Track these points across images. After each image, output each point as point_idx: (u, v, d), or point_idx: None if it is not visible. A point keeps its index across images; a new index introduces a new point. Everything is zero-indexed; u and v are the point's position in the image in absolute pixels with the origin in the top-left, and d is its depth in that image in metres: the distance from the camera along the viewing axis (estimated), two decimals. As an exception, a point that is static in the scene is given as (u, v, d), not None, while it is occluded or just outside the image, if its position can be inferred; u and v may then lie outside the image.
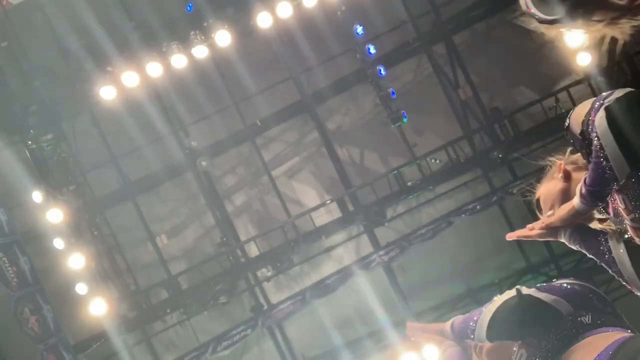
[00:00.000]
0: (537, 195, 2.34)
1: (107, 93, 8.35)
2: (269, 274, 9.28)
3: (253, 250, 9.59)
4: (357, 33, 9.04)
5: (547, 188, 2.29)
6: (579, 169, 2.23)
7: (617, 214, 2.01)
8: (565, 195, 2.21)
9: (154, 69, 8.33)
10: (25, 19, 9.22)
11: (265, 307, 9.34)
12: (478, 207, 8.98)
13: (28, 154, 8.55)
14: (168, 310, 9.02)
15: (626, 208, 1.93)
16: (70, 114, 9.02)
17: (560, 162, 2.28)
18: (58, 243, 8.33)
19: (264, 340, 9.99)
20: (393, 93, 9.12)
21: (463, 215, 8.97)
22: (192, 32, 8.34)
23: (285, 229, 9.20)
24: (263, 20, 8.38)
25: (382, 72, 9.13)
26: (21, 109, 8.43)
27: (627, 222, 1.95)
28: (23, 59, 8.77)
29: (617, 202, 1.95)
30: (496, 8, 9.82)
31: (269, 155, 10.30)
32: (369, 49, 9.09)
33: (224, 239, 9.41)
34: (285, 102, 9.95)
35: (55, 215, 8.25)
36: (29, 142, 8.54)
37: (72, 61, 8.60)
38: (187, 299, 8.87)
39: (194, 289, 9.04)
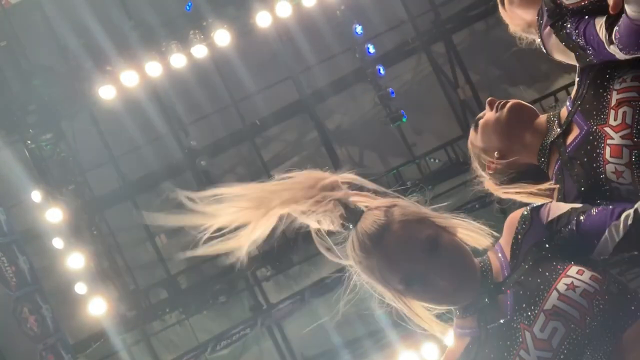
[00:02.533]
0: None
1: (106, 92, 8.35)
2: (269, 273, 9.28)
3: (252, 250, 9.58)
4: (357, 32, 9.05)
5: None
6: None
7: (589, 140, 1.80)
8: None
9: (153, 68, 8.33)
10: (24, 18, 9.22)
11: (265, 306, 9.34)
12: (477, 206, 8.99)
13: (27, 153, 8.55)
14: (167, 310, 9.03)
15: (623, 122, 1.75)
16: (69, 113, 9.02)
17: None
18: (57, 242, 8.33)
19: (263, 339, 9.99)
20: (392, 92, 9.13)
21: (462, 214, 8.98)
22: (192, 32, 8.34)
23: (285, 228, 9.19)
24: (262, 20, 8.39)
25: (382, 71, 9.14)
26: (20, 108, 8.42)
27: (613, 141, 1.76)
28: (22, 58, 8.76)
29: (608, 121, 1.77)
30: (495, 7, 9.78)
31: (268, 155, 10.30)
32: (368, 48, 9.09)
33: (224, 238, 9.39)
34: (284, 102, 9.95)
35: (54, 215, 8.25)
36: (28, 142, 8.54)
37: (71, 60, 8.60)
38: (187, 298, 8.87)
39: (193, 288, 9.05)
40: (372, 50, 9.12)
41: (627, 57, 1.66)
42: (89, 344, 8.76)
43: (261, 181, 1.73)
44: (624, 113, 1.73)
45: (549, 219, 1.68)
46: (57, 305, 8.36)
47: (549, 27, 1.85)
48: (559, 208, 1.69)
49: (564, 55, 1.88)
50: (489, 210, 9.32)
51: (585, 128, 1.82)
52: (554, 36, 1.85)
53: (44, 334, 7.88)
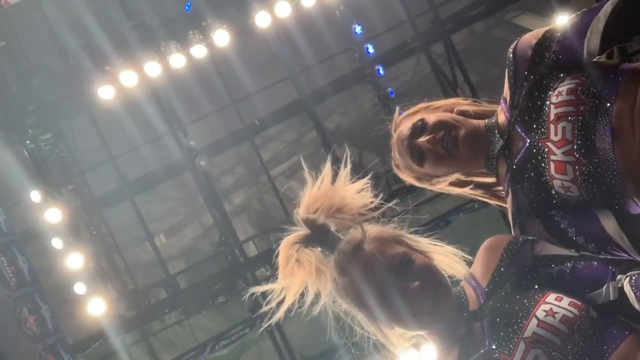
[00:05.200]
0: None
1: (105, 92, 8.34)
2: (268, 273, 9.28)
3: (252, 250, 9.59)
4: (356, 32, 9.05)
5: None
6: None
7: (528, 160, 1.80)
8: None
9: (153, 68, 8.32)
10: (23, 18, 9.22)
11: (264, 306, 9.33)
12: (476, 206, 8.99)
13: (26, 154, 8.54)
14: (166, 310, 9.02)
15: (563, 138, 1.72)
16: (68, 114, 9.02)
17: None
18: (56, 242, 8.32)
19: (262, 339, 9.99)
20: (392, 92, 9.12)
21: (461, 214, 8.99)
22: (191, 32, 8.33)
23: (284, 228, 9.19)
24: (261, 20, 8.39)
25: (381, 71, 9.14)
26: (19, 109, 8.42)
27: (556, 157, 1.74)
28: (21, 58, 8.76)
29: (549, 136, 1.75)
30: (495, 7, 9.83)
31: (267, 155, 10.30)
32: (367, 48, 9.09)
33: (223, 238, 9.41)
34: (283, 102, 9.95)
35: (53, 215, 8.25)
36: (27, 142, 8.54)
37: (70, 60, 8.60)
38: (186, 298, 8.87)
39: (193, 288, 9.04)
40: (371, 50, 9.12)
41: None
42: (88, 344, 8.75)
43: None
44: (564, 128, 1.72)
45: (541, 253, 1.69)
46: (57, 306, 8.36)
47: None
48: (554, 249, 1.70)
49: None
50: (488, 211, 9.34)
51: (528, 141, 1.81)
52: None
53: (44, 334, 7.88)
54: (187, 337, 9.60)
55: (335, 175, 1.79)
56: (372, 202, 1.80)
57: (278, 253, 1.76)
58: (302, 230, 1.76)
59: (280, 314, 1.78)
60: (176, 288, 9.06)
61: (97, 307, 8.12)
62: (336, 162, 1.83)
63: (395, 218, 1.83)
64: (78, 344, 8.71)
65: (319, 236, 1.74)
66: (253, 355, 10.18)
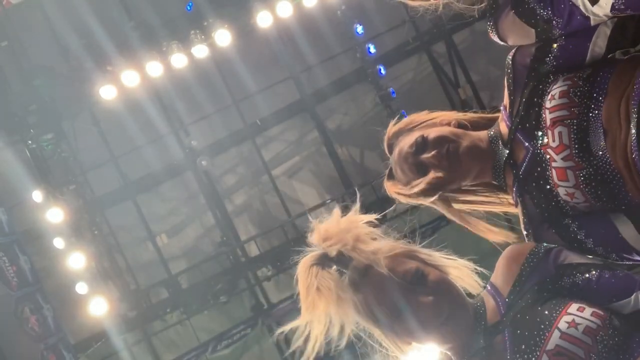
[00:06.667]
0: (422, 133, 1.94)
1: (107, 92, 8.35)
2: (269, 273, 9.28)
3: (253, 250, 9.59)
4: (357, 32, 9.05)
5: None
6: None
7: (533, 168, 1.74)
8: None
9: (154, 68, 8.33)
10: (25, 18, 9.23)
11: (266, 306, 9.34)
12: (478, 206, 9.00)
13: (28, 153, 8.56)
14: (168, 310, 9.03)
15: (561, 143, 1.68)
16: (70, 114, 9.03)
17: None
18: (58, 242, 8.33)
19: (264, 339, 9.99)
20: (393, 92, 9.13)
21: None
22: (192, 32, 8.34)
23: (286, 228, 9.20)
24: (263, 20, 8.39)
25: (382, 71, 9.14)
26: (21, 109, 8.43)
27: (556, 164, 1.69)
28: (23, 58, 8.77)
29: (548, 143, 1.70)
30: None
31: (269, 155, 10.30)
32: (369, 48, 9.10)
33: (224, 238, 9.41)
34: (285, 102, 9.95)
35: (55, 215, 8.26)
36: (29, 142, 8.55)
37: (72, 60, 8.60)
38: (187, 298, 8.88)
39: (194, 288, 9.05)
40: (372, 50, 9.13)
41: (609, 16, 1.62)
42: (90, 343, 8.76)
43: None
44: (560, 133, 1.68)
45: (565, 262, 1.64)
46: (58, 305, 8.37)
47: (509, 6, 1.84)
48: (577, 257, 1.66)
49: (520, 34, 1.86)
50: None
51: (531, 149, 1.77)
52: (511, 15, 1.84)
53: (45, 333, 7.89)
54: (188, 336, 9.60)
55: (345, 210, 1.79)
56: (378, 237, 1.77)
57: (297, 278, 1.74)
58: (317, 250, 1.74)
59: (312, 353, 1.69)
60: (177, 288, 9.06)
61: (98, 307, 8.12)
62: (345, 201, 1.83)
63: (403, 219, 1.82)
64: (80, 344, 8.72)
65: (334, 257, 1.72)
66: (254, 355, 10.18)
